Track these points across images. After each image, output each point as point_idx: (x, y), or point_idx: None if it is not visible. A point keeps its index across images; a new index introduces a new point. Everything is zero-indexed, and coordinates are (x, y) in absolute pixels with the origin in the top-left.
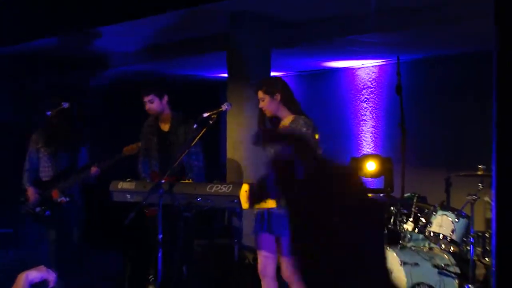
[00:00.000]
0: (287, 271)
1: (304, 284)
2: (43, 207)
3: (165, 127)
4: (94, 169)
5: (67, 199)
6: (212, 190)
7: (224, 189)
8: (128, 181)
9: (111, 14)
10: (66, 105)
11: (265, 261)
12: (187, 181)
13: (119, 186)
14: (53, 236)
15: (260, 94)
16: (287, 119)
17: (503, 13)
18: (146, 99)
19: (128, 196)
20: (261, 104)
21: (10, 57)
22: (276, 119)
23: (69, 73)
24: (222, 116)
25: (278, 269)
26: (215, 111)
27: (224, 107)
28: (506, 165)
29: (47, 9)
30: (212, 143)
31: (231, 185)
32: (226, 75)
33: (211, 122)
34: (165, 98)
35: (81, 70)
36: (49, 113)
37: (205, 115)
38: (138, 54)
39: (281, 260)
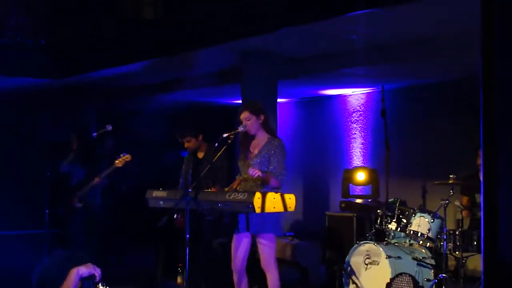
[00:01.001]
0: (265, 261)
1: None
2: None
3: (200, 155)
4: (96, 180)
5: (80, 204)
6: (231, 198)
7: (240, 196)
8: (161, 190)
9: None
10: (109, 127)
11: (238, 258)
12: (211, 190)
13: (154, 194)
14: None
15: (247, 114)
16: (262, 139)
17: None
18: (184, 140)
19: (161, 202)
20: (246, 123)
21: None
22: (251, 138)
23: (115, 101)
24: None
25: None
26: (232, 132)
27: (240, 128)
28: (492, 170)
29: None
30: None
31: (246, 193)
32: (240, 101)
33: (229, 141)
34: (200, 136)
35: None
36: (95, 134)
37: (225, 135)
38: (166, 85)
39: (260, 252)
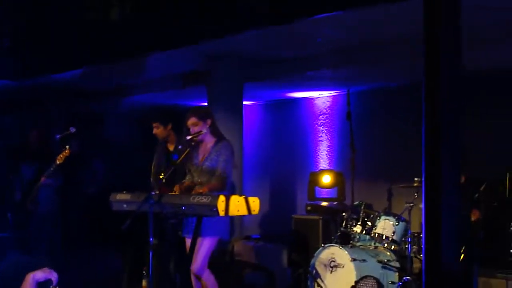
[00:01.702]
0: (199, 267)
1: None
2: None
3: (171, 147)
4: (42, 179)
5: (34, 205)
6: (195, 201)
7: (204, 199)
8: (125, 193)
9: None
10: (73, 129)
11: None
12: (175, 192)
13: (117, 198)
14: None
15: (194, 120)
16: (210, 142)
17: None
18: (154, 125)
19: (125, 205)
20: (194, 129)
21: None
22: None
23: (85, 103)
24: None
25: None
26: (196, 134)
27: (204, 130)
28: (432, 176)
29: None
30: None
31: (210, 196)
32: (206, 103)
33: (193, 143)
34: (169, 125)
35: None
36: (58, 136)
37: (188, 137)
38: (131, 87)
39: (196, 257)
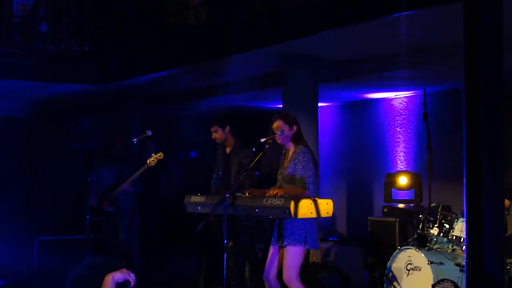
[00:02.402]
0: (287, 278)
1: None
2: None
3: (228, 150)
4: (125, 184)
5: (112, 208)
6: (268, 203)
7: (277, 202)
8: (199, 195)
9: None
10: (149, 133)
11: (267, 268)
12: (246, 194)
13: (192, 200)
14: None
15: (280, 123)
16: (291, 150)
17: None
18: (212, 129)
19: (199, 208)
20: (279, 133)
21: (112, 91)
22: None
23: (152, 105)
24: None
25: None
26: (270, 137)
27: (278, 133)
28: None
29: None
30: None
31: (283, 199)
32: (281, 106)
33: (267, 146)
34: (227, 128)
35: (161, 102)
36: (135, 139)
37: (262, 140)
38: (208, 89)
39: (285, 268)
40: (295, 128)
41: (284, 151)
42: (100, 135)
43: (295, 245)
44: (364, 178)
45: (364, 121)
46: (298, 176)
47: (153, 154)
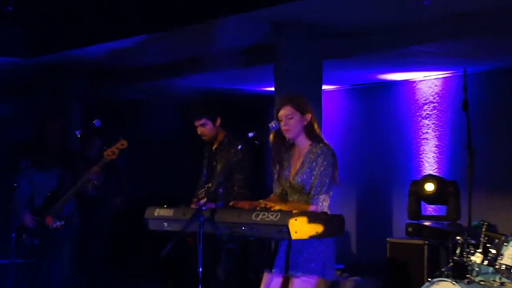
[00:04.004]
0: None
1: None
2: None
3: (214, 147)
4: (92, 172)
5: (61, 222)
6: (258, 218)
7: (271, 217)
8: (166, 207)
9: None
10: (98, 123)
11: None
12: (233, 204)
13: (156, 214)
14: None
15: (288, 109)
16: (304, 147)
17: None
18: (198, 123)
19: (166, 224)
20: (288, 122)
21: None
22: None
23: (101, 86)
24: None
25: None
26: (261, 131)
27: (271, 125)
28: None
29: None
30: (255, 165)
31: (279, 213)
32: (273, 88)
33: (257, 142)
34: (218, 121)
35: (113, 83)
36: (78, 132)
37: (250, 135)
38: (175, 66)
39: None
40: (308, 117)
41: (289, 147)
42: (29, 124)
43: (310, 275)
44: (381, 187)
45: (380, 111)
46: (311, 187)
47: (111, 144)
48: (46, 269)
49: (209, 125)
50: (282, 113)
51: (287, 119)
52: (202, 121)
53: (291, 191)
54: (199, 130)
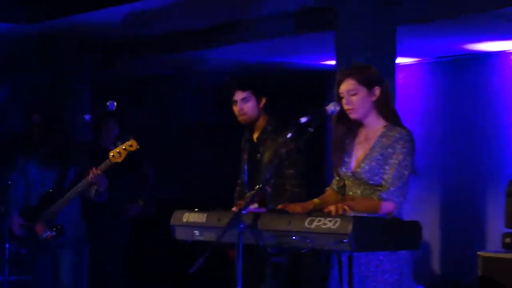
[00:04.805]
0: None
1: None
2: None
3: (256, 135)
4: (92, 174)
5: (53, 233)
6: (313, 226)
7: (329, 224)
8: (197, 211)
9: None
10: (112, 105)
11: None
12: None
13: (185, 219)
14: None
15: (351, 83)
16: (375, 130)
17: None
18: (239, 96)
19: (197, 232)
20: (350, 99)
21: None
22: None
23: (115, 60)
24: (328, 119)
25: None
26: (317, 115)
27: (330, 108)
28: None
29: None
30: (312, 156)
31: (338, 219)
32: (334, 62)
33: (311, 130)
34: (263, 101)
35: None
36: (88, 117)
37: (303, 120)
38: (208, 34)
39: None
40: (377, 91)
41: (355, 130)
42: (25, 108)
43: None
44: (471, 186)
45: (469, 89)
46: (385, 178)
47: (119, 143)
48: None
49: (252, 102)
50: (343, 88)
51: (350, 95)
52: (245, 94)
53: (353, 183)
54: (238, 107)
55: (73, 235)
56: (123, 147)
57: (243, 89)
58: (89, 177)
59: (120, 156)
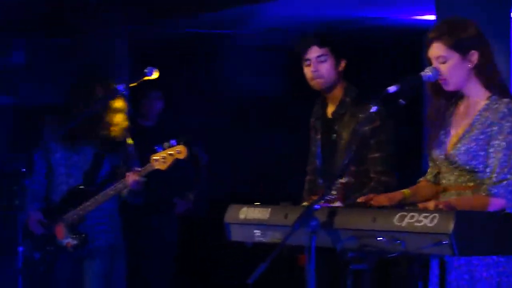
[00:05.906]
0: None
1: None
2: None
3: (330, 110)
4: (131, 178)
5: (74, 241)
6: (404, 223)
7: (425, 220)
8: (258, 206)
9: None
10: (150, 72)
11: None
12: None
13: (242, 216)
14: None
15: (440, 48)
16: (476, 101)
17: None
18: (314, 54)
19: (258, 232)
20: (440, 66)
21: None
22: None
23: (153, 18)
24: (425, 88)
25: None
26: (410, 83)
27: (426, 74)
28: None
29: None
30: (406, 135)
31: (437, 215)
32: (433, 17)
33: (403, 102)
34: (342, 64)
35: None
36: (121, 87)
37: (392, 90)
38: None
39: None
40: (475, 56)
41: (454, 103)
42: (53, 79)
43: None
44: None
45: None
46: (490, 164)
47: (166, 145)
48: None
49: (330, 62)
50: (431, 54)
51: (439, 63)
52: (322, 51)
53: (448, 168)
54: (313, 67)
55: (104, 244)
56: (170, 152)
57: (320, 45)
58: (126, 180)
59: (165, 163)
